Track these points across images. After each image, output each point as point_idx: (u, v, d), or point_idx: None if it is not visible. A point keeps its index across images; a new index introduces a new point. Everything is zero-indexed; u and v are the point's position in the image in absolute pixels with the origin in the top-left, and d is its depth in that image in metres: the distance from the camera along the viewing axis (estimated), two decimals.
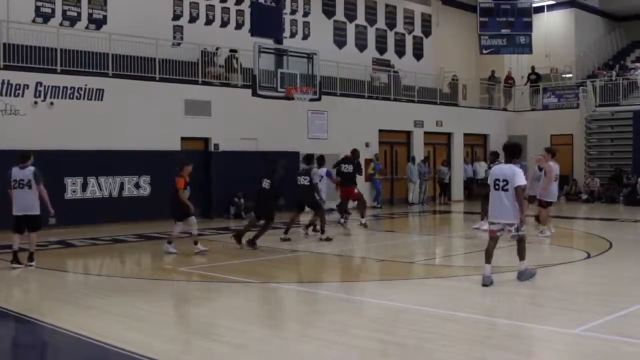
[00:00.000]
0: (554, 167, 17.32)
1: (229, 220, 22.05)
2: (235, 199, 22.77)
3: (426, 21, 36.09)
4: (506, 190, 10.42)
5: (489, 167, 16.57)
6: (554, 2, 38.54)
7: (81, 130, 19.90)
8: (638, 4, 39.43)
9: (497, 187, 10.52)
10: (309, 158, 17.45)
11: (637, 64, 37.16)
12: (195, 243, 14.53)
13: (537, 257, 13.75)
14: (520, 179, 10.40)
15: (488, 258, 10.49)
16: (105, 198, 20.42)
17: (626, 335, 7.72)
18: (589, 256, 14.03)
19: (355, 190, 19.35)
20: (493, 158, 17.55)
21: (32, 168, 12.72)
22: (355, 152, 19.56)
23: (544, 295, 10.19)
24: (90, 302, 9.86)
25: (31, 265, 12.51)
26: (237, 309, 9.45)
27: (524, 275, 10.70)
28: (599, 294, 10.28)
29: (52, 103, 19.52)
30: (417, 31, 35.61)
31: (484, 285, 10.34)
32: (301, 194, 17.10)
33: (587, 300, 9.81)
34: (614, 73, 36.09)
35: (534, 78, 36.58)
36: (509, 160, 10.89)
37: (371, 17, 33.29)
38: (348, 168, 19.09)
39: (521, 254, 10.72)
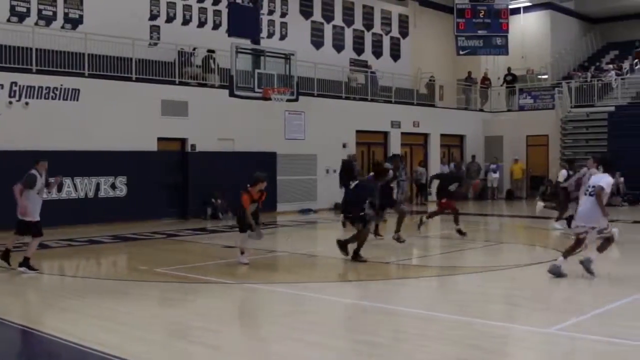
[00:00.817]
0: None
1: (206, 221, 22.00)
2: (212, 199, 22.72)
3: (403, 22, 36.19)
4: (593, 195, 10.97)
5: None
6: (530, 4, 38.81)
7: (57, 131, 19.75)
8: (613, 6, 39.84)
9: (586, 192, 11.17)
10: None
11: (611, 66, 37.49)
12: (242, 253, 13.20)
13: (512, 257, 13.88)
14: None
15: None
16: (81, 199, 20.29)
17: (600, 335, 7.81)
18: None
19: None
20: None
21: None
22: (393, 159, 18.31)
23: (520, 295, 10.27)
24: (65, 304, 9.81)
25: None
26: (212, 310, 9.44)
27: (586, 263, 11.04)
28: (574, 294, 10.38)
29: (27, 103, 19.36)
30: (395, 32, 35.70)
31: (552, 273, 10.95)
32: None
33: (562, 300, 9.90)
34: (589, 74, 36.40)
35: (510, 79, 36.80)
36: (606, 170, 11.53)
37: (348, 18, 33.34)
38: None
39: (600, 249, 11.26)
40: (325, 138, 26.38)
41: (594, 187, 10.92)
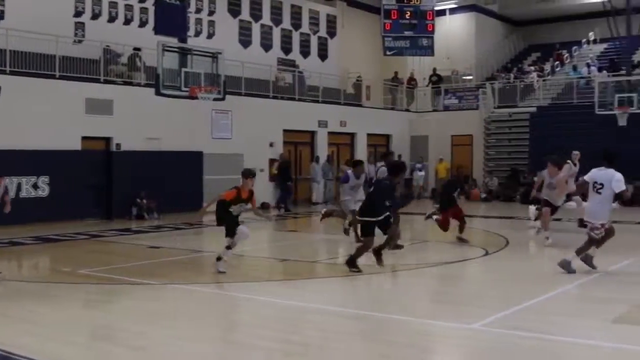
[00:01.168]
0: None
1: (131, 222, 21.74)
2: (138, 199, 22.46)
3: (331, 22, 36.38)
4: (600, 193, 11.15)
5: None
6: (455, 6, 39.46)
7: None
8: (535, 9, 40.86)
9: (594, 189, 11.25)
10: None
11: (533, 67, 38.43)
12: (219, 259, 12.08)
13: (438, 255, 14.10)
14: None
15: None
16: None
17: (523, 329, 8.02)
18: (487, 253, 14.44)
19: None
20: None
21: None
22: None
23: (444, 291, 10.47)
24: None
25: None
26: (137, 311, 9.37)
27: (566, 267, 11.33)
28: (497, 290, 10.62)
29: None
30: (323, 32, 35.86)
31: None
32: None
33: (485, 296, 10.11)
34: (511, 76, 37.25)
35: (436, 80, 37.36)
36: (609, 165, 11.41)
37: (276, 17, 33.36)
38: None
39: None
40: (253, 137, 26.35)
41: (602, 184, 11.14)
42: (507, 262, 13.36)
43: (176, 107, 22.92)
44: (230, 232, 11.85)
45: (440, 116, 35.29)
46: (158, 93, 20.89)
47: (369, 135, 33.07)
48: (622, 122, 27.95)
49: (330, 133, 30.89)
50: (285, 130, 28.60)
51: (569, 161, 16.54)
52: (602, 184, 11.15)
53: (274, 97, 28.53)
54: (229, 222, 11.93)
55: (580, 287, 10.76)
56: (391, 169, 12.80)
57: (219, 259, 11.92)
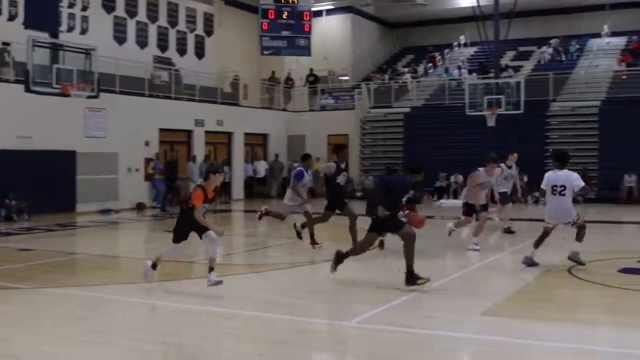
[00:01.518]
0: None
1: None
2: (6, 200, 21.65)
3: (209, 20, 36.12)
4: (564, 194, 11.66)
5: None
6: (332, 7, 39.91)
7: None
8: (409, 12, 41.86)
9: (554, 192, 11.73)
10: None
11: (407, 69, 39.40)
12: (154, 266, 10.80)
13: (314, 253, 14.23)
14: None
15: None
16: None
17: (397, 325, 8.24)
18: None
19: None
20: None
21: None
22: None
23: (320, 290, 10.58)
24: None
25: None
26: (6, 316, 9.06)
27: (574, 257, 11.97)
28: (371, 286, 10.82)
29: None
30: (200, 30, 35.56)
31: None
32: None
33: (360, 293, 10.29)
34: (386, 76, 38.05)
35: (313, 80, 37.73)
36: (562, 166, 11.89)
37: (153, 14, 32.83)
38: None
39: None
40: (127, 136, 25.87)
41: (563, 186, 11.64)
42: (379, 259, 13.50)
43: (48, 105, 22.21)
44: (181, 238, 10.46)
45: (317, 116, 35.67)
46: (28, 90, 20.16)
47: (246, 134, 33.05)
48: (491, 122, 28.98)
49: (207, 132, 30.67)
50: (161, 129, 28.20)
51: (501, 165, 16.79)
52: (563, 186, 11.71)
53: (150, 96, 28.09)
54: (182, 226, 10.45)
55: (452, 282, 11.19)
56: (412, 168, 12.04)
57: (154, 266, 10.67)
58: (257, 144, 34.39)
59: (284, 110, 36.46)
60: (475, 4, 32.42)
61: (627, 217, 22.94)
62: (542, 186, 12.13)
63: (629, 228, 20.97)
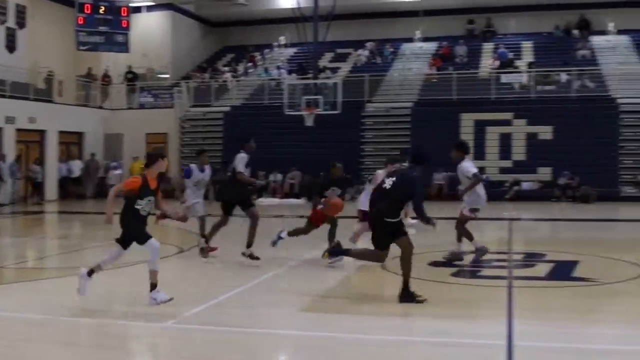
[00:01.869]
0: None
1: None
2: None
3: (21, 12, 34.47)
4: None
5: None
6: (152, 4, 39.27)
7: None
8: (230, 11, 41.97)
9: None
10: None
11: (227, 68, 39.50)
12: (153, 287, 9.21)
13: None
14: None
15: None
16: None
17: (216, 324, 8.30)
18: (182, 251, 14.63)
19: None
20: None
21: None
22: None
23: (140, 292, 10.41)
24: None
25: None
26: None
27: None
28: (190, 287, 10.79)
29: None
30: (11, 22, 33.90)
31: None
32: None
33: (180, 293, 10.22)
34: (207, 75, 37.97)
35: (131, 77, 37.04)
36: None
37: None
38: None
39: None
40: None
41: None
42: (199, 260, 13.43)
43: None
44: (143, 238, 9.02)
45: (135, 114, 35.00)
46: None
47: (60, 132, 31.90)
48: (310, 122, 29.56)
49: (18, 130, 29.33)
50: None
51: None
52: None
53: None
54: (136, 225, 9.03)
55: (274, 279, 11.42)
56: (416, 158, 10.46)
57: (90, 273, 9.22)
58: (72, 142, 33.30)
59: (101, 108, 35.50)
60: (295, 5, 32.96)
61: (435, 214, 23.97)
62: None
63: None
